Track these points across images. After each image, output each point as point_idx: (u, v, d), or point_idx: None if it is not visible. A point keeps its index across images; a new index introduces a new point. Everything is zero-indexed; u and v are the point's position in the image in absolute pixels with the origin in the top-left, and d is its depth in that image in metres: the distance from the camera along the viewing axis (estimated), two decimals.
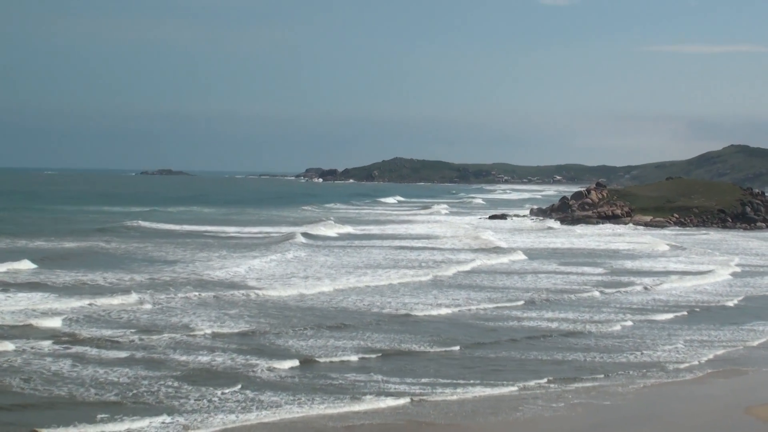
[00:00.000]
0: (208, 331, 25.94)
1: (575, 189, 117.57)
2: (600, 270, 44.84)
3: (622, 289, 37.83)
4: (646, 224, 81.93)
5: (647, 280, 40.86)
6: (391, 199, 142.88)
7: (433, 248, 53.53)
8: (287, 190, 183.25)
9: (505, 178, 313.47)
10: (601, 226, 79.90)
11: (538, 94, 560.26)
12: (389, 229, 70.99)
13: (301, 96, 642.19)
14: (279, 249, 49.11)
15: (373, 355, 23.65)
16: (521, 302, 33.39)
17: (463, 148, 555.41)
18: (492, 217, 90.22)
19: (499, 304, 32.70)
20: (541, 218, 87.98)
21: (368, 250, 50.55)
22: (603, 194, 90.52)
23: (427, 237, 62.93)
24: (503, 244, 57.04)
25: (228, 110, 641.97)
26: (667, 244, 59.70)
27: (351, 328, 27.27)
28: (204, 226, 67.72)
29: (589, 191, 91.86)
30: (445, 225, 77.50)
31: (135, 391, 19.50)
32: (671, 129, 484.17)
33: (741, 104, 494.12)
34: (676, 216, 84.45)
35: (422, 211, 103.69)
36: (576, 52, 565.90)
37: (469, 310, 31.47)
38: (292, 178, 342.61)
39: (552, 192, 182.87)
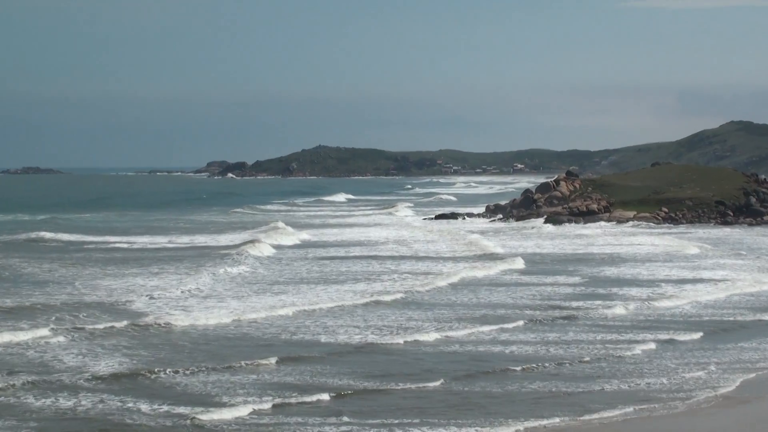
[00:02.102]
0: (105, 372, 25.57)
1: (542, 179, 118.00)
2: (613, 278, 46.05)
3: (642, 303, 38.67)
4: (629, 220, 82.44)
5: (671, 290, 41.99)
6: (338, 197, 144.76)
7: (413, 257, 54.97)
8: (200, 189, 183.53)
9: (455, 168, 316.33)
10: (589, 225, 79.88)
11: (492, 65, 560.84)
12: (355, 233, 72.23)
13: (191, 75, 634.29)
14: (235, 262, 50.28)
15: (333, 394, 23.80)
16: (521, 322, 33.90)
17: (400, 132, 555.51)
18: (439, 217, 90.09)
19: (493, 327, 33.00)
20: (501, 216, 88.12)
21: (340, 262, 51.84)
22: (575, 185, 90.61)
23: (405, 242, 64.30)
24: (499, 250, 58.23)
25: (101, 95, 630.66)
26: (696, 246, 60.66)
27: (313, 361, 27.46)
28: (129, 237, 68.14)
29: (557, 182, 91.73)
30: (420, 228, 78.48)
31: None
32: (657, 104, 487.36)
33: (742, 71, 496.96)
34: (665, 210, 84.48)
35: (385, 211, 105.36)
36: (537, 13, 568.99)
37: (457, 334, 31.82)
38: (192, 174, 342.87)
39: (525, 183, 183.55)
